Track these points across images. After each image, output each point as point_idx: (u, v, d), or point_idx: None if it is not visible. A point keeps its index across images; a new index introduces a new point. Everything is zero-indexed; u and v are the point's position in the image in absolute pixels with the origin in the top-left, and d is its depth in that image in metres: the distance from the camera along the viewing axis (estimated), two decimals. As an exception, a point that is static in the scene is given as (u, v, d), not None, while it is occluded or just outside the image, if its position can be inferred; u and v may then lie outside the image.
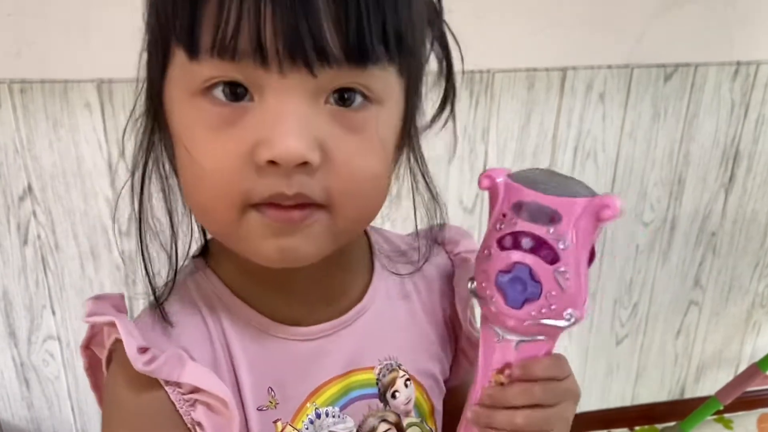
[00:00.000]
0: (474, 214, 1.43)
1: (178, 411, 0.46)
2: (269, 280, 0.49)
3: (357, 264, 0.56)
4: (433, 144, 1.46)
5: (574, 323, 0.45)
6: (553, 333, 0.46)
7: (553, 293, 0.44)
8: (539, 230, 0.43)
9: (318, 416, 0.51)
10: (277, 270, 0.45)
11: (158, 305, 0.49)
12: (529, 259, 0.44)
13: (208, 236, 0.54)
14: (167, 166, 0.49)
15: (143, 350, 0.46)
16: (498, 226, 0.46)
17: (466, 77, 1.31)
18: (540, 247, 0.44)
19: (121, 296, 0.51)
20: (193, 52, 0.39)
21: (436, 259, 0.60)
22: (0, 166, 1.20)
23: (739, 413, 1.81)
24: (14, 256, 1.28)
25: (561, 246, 0.43)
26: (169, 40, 0.41)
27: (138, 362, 0.45)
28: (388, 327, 0.55)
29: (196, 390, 0.46)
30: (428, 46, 0.50)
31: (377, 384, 0.54)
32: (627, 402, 1.76)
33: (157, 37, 0.43)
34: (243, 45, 0.38)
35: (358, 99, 0.41)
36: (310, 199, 0.41)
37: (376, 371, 0.54)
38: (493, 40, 1.29)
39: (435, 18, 0.50)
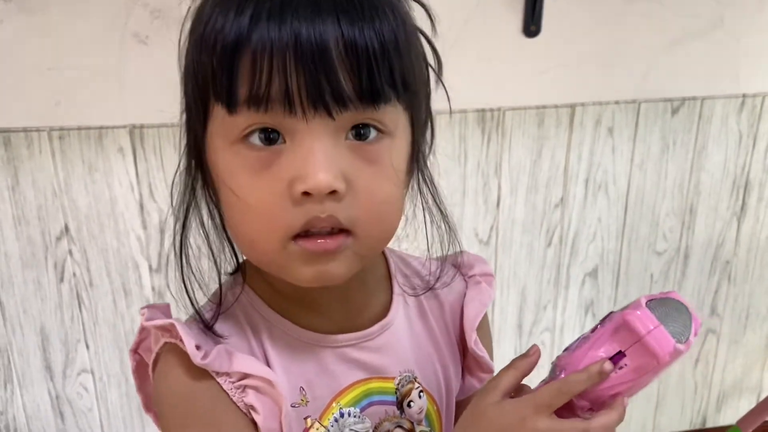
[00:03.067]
0: (489, 246, 1.48)
1: (231, 399, 0.53)
2: (298, 296, 0.56)
3: (376, 282, 0.62)
4: (448, 179, 1.51)
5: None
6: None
7: None
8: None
9: (342, 415, 0.57)
10: (305, 288, 0.52)
11: (209, 328, 0.56)
12: None
13: (240, 258, 0.61)
14: (205, 211, 0.57)
15: (198, 347, 0.52)
16: None
17: (478, 115, 1.37)
18: None
19: (168, 306, 0.58)
20: (231, 107, 0.47)
21: (453, 280, 0.66)
22: (40, 208, 1.28)
23: (763, 442, 1.80)
24: (51, 292, 1.35)
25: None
26: (207, 100, 0.49)
27: (197, 357, 0.52)
28: (407, 343, 0.61)
29: (244, 377, 0.53)
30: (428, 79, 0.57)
31: (396, 393, 0.60)
32: (648, 431, 1.77)
33: (197, 99, 0.50)
34: (273, 96, 0.45)
35: (373, 133, 0.49)
36: (340, 222, 0.48)
37: (396, 381, 0.60)
38: (502, 80, 1.35)
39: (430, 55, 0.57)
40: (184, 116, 0.54)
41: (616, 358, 0.50)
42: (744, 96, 1.47)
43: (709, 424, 1.80)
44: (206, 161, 0.52)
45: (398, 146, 0.51)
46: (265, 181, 0.47)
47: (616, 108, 1.42)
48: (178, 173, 0.58)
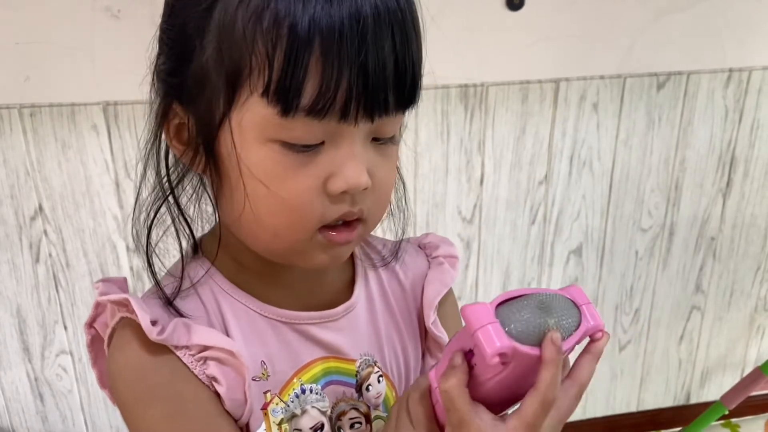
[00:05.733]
0: (473, 224, 1.46)
1: (192, 371, 0.53)
2: (265, 273, 0.57)
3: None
4: (430, 156, 1.49)
5: None
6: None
7: None
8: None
9: (303, 392, 0.57)
10: (273, 265, 0.55)
11: (170, 303, 0.55)
12: None
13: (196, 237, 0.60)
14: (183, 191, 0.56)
15: (154, 323, 0.52)
16: None
17: (461, 91, 1.34)
18: None
19: (125, 279, 0.57)
20: (288, 110, 0.46)
21: (416, 261, 0.66)
22: (12, 187, 1.25)
23: (746, 418, 1.81)
24: (27, 274, 1.33)
25: None
26: (239, 87, 0.47)
27: (152, 333, 0.51)
28: (368, 327, 0.61)
29: (205, 348, 0.53)
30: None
31: (356, 376, 0.60)
32: (633, 408, 1.77)
33: (222, 80, 0.48)
34: (334, 108, 0.47)
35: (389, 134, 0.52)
36: (363, 214, 0.52)
37: (357, 364, 0.60)
38: (486, 55, 1.32)
39: None
40: (164, 83, 0.52)
41: (469, 354, 0.48)
42: (730, 70, 1.45)
43: (693, 400, 1.80)
44: (217, 147, 0.51)
45: (398, 143, 0.55)
46: (301, 177, 0.49)
47: (600, 83, 1.40)
48: (148, 145, 0.56)
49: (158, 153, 0.56)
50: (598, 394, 1.73)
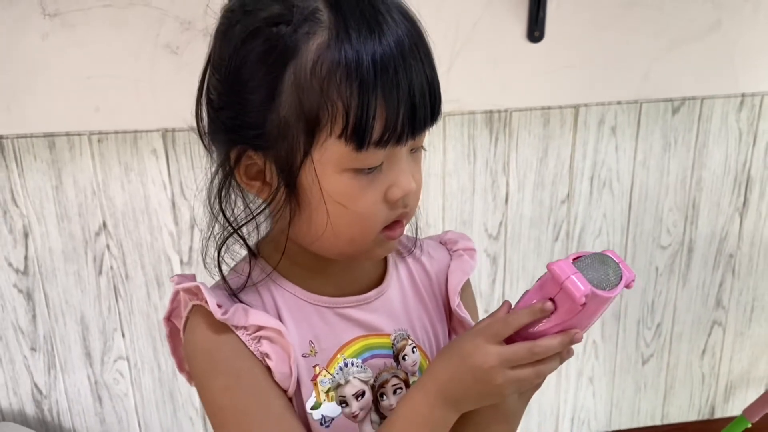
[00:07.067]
0: (499, 241, 1.56)
1: (249, 349, 0.63)
2: (314, 267, 0.68)
3: None
4: (458, 177, 1.59)
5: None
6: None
7: None
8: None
9: (346, 365, 0.68)
10: (322, 261, 0.66)
11: (235, 295, 0.66)
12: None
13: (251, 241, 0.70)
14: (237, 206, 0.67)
15: (219, 306, 0.63)
16: None
17: (486, 116, 1.45)
18: None
19: (194, 275, 0.68)
20: (361, 147, 0.58)
21: (439, 253, 0.77)
22: (80, 206, 1.39)
23: (771, 432, 1.85)
24: (90, 284, 1.46)
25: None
26: (317, 131, 0.58)
27: (218, 313, 0.62)
28: (400, 306, 0.72)
29: (259, 329, 0.63)
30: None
31: (392, 348, 0.70)
32: (657, 421, 1.83)
33: (300, 127, 0.59)
34: (394, 137, 0.58)
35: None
36: (412, 211, 0.65)
37: (392, 338, 0.70)
38: (509, 83, 1.43)
39: None
40: (237, 135, 0.61)
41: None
42: (743, 95, 1.53)
43: (718, 415, 1.85)
44: (299, 181, 0.60)
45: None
46: (369, 193, 0.60)
47: (618, 108, 1.49)
48: (219, 188, 0.65)
49: (220, 193, 0.65)
50: (622, 406, 1.79)
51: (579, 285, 0.56)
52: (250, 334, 0.63)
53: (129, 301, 1.48)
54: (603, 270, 0.58)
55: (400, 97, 0.57)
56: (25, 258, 1.43)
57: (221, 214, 0.66)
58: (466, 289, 0.77)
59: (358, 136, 0.57)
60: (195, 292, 0.65)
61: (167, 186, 1.40)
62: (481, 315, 0.83)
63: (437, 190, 1.49)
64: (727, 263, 1.68)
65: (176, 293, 0.67)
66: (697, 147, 1.56)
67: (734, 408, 1.84)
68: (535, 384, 0.62)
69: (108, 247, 1.43)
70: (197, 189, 1.38)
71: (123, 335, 1.51)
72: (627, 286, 0.60)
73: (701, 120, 1.53)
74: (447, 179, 1.48)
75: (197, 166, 1.38)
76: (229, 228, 0.66)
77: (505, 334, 0.59)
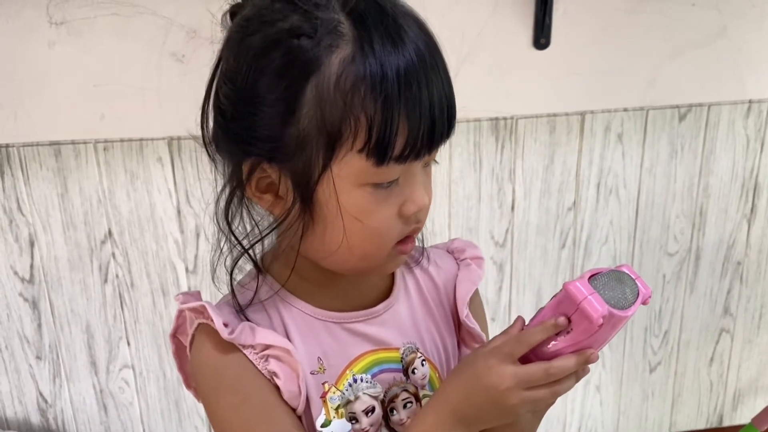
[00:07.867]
0: (505, 248, 1.55)
1: (257, 367, 0.62)
2: (322, 282, 0.67)
3: None
4: (464, 184, 1.59)
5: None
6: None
7: None
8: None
9: (355, 381, 0.67)
10: (330, 276, 0.65)
11: (242, 311, 0.65)
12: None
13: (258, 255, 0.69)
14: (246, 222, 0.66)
15: (225, 325, 0.62)
16: None
17: (492, 124, 1.45)
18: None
19: (199, 292, 0.67)
20: (381, 162, 0.57)
21: (446, 263, 0.76)
22: (86, 214, 1.39)
23: (780, 441, 1.83)
24: (96, 293, 1.46)
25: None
26: (337, 146, 0.57)
27: (224, 332, 0.61)
28: (408, 319, 0.71)
29: (266, 347, 0.62)
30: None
31: (401, 361, 0.69)
32: (665, 429, 1.81)
33: (320, 146, 0.58)
34: (413, 153, 0.58)
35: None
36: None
37: (401, 351, 0.69)
38: (515, 90, 1.43)
39: None
40: (252, 147, 0.60)
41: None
42: (750, 102, 1.52)
43: (726, 423, 1.84)
44: (315, 195, 0.59)
45: None
46: (384, 208, 0.60)
47: (624, 115, 1.49)
48: (228, 204, 0.64)
49: (228, 208, 0.64)
50: (630, 414, 1.78)
51: (596, 306, 0.56)
52: (257, 353, 0.63)
53: (134, 309, 1.48)
54: (620, 288, 0.58)
55: (421, 112, 0.56)
56: (31, 266, 1.42)
57: (230, 233, 0.65)
58: (475, 299, 0.76)
59: (379, 151, 0.56)
60: (201, 311, 0.64)
61: (173, 194, 1.40)
62: (488, 323, 0.83)
63: (443, 198, 1.49)
64: (734, 270, 1.67)
65: (181, 311, 0.67)
66: (704, 154, 1.55)
67: (743, 416, 1.83)
68: (550, 403, 0.61)
69: (113, 255, 1.43)
70: (203, 198, 1.38)
71: (128, 344, 1.51)
72: (644, 303, 0.59)
73: (708, 127, 1.53)
74: (453, 187, 1.48)
75: (203, 175, 1.38)
76: (239, 246, 0.66)
77: (519, 354, 0.58)
